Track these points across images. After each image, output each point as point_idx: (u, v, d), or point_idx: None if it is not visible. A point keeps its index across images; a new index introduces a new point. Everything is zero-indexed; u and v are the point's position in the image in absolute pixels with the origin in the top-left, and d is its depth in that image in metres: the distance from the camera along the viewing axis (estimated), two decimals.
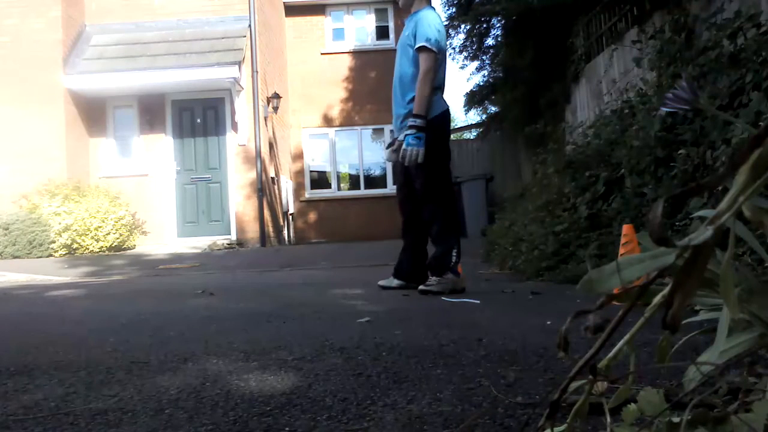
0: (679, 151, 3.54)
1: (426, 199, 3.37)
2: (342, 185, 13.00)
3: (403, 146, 3.27)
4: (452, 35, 11.07)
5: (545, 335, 1.91)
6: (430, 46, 3.29)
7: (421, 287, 3.31)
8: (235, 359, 1.71)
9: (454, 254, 3.29)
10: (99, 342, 2.09)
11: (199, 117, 10.26)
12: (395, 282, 3.58)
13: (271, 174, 10.67)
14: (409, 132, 3.25)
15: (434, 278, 3.30)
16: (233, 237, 9.89)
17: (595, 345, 0.59)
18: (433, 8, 3.54)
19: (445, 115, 3.44)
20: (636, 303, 0.59)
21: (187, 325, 2.46)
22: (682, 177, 3.43)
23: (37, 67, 9.22)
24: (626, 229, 2.84)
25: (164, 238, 9.87)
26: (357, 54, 12.73)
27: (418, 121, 3.24)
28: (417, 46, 3.33)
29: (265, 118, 10.49)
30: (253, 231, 9.90)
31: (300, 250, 9.53)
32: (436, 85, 3.37)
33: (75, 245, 8.56)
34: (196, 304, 3.23)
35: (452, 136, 15.86)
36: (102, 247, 8.78)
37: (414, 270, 3.52)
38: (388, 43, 12.85)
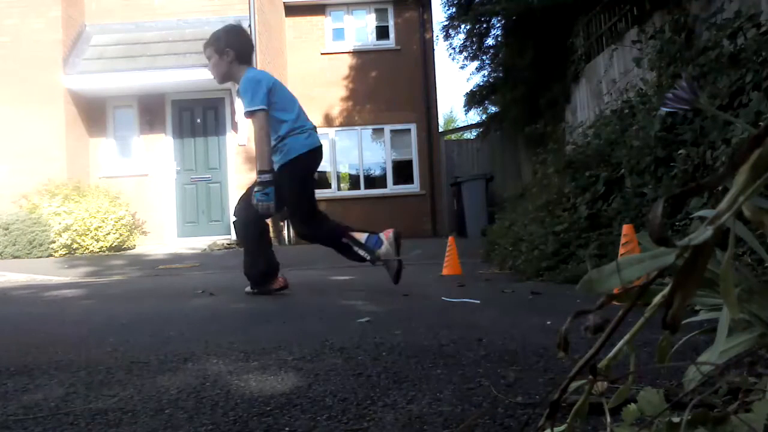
0: (679, 151, 3.54)
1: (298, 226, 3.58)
2: (342, 185, 13.00)
3: (254, 201, 3.36)
4: (452, 35, 11.08)
5: (545, 335, 1.91)
6: (250, 109, 3.34)
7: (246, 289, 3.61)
8: (235, 359, 1.71)
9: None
10: (99, 342, 2.09)
11: (199, 117, 10.26)
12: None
13: None
14: (256, 189, 3.34)
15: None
16: (233, 237, 9.89)
17: (595, 345, 0.59)
18: (252, 68, 3.57)
19: (300, 159, 3.44)
20: (636, 303, 0.59)
21: (187, 325, 2.46)
22: (682, 177, 3.43)
23: (37, 67, 9.22)
24: (626, 229, 2.85)
25: (164, 238, 9.87)
26: (357, 54, 12.74)
27: (263, 177, 3.31)
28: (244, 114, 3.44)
29: None
30: None
31: (299, 250, 9.53)
32: (290, 128, 3.42)
33: (75, 245, 8.56)
34: (196, 304, 3.23)
35: (452, 136, 15.94)
36: (102, 247, 8.78)
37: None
38: (388, 43, 12.86)
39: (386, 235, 3.53)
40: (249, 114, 3.37)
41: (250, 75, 3.44)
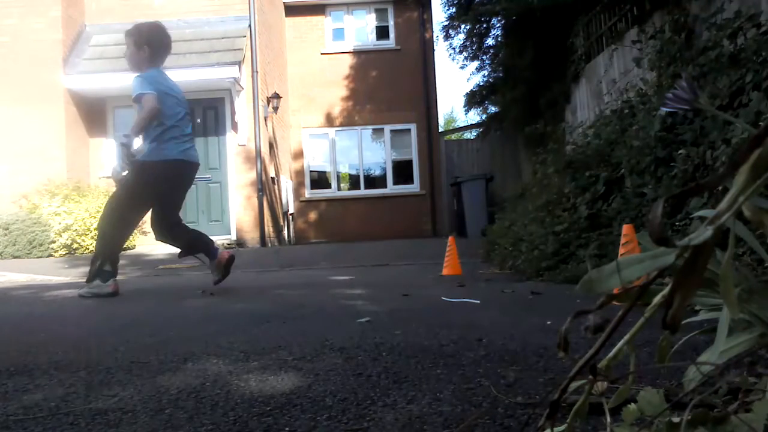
0: (679, 151, 3.54)
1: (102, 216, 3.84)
2: (342, 185, 13.00)
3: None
4: (452, 35, 11.08)
5: (545, 335, 1.91)
6: (141, 92, 3.58)
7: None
8: (235, 359, 1.71)
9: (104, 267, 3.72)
10: (99, 342, 2.09)
11: (199, 117, 10.26)
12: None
13: (271, 174, 10.67)
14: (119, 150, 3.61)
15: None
16: (233, 237, 9.89)
17: (595, 345, 0.59)
18: (156, 70, 3.80)
19: (164, 165, 3.66)
20: (636, 303, 0.59)
21: (187, 325, 2.46)
22: (682, 177, 3.44)
23: (37, 67, 9.22)
24: (626, 229, 2.85)
25: None
26: (357, 54, 12.74)
27: (123, 140, 3.60)
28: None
29: (265, 118, 10.49)
30: (252, 231, 9.90)
31: (300, 250, 9.54)
32: (170, 124, 3.67)
33: (75, 245, 8.56)
34: (196, 304, 3.23)
35: (452, 136, 15.93)
36: None
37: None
38: (388, 43, 12.86)
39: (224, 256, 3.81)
40: (139, 97, 3.55)
41: (147, 74, 3.68)
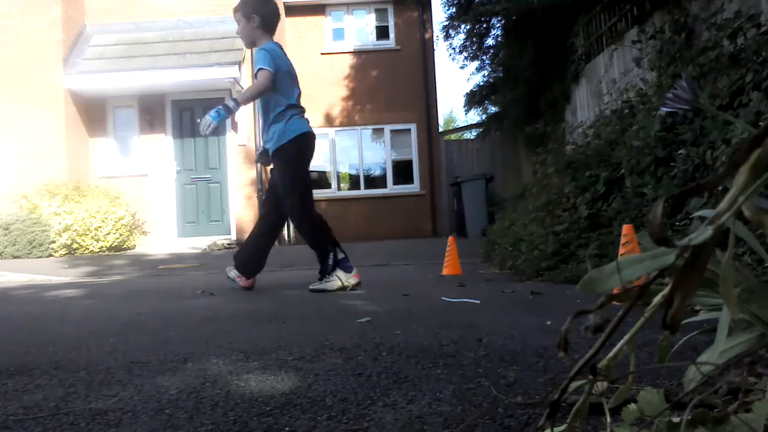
0: (679, 151, 3.54)
1: (289, 213, 3.79)
2: (342, 185, 13.00)
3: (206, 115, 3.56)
4: (452, 35, 11.07)
5: (545, 335, 1.91)
6: (258, 67, 3.56)
7: (310, 287, 3.69)
8: (235, 359, 1.71)
9: (331, 258, 3.66)
10: (99, 342, 2.09)
11: (199, 117, 10.25)
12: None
13: None
14: (217, 107, 3.53)
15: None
16: (233, 237, 9.89)
17: (595, 345, 0.59)
18: (272, 42, 3.77)
19: (299, 140, 3.68)
20: (636, 303, 0.59)
21: (187, 325, 2.46)
22: (682, 177, 3.44)
23: (37, 67, 9.23)
24: (626, 229, 2.85)
25: (164, 238, 9.87)
26: (357, 54, 12.73)
27: (230, 102, 3.52)
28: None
29: None
30: None
31: (300, 250, 9.52)
32: (288, 104, 3.66)
33: (75, 245, 8.56)
34: (196, 304, 3.23)
35: (452, 136, 15.94)
36: (102, 247, 8.78)
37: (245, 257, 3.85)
38: (388, 43, 12.85)
39: (356, 276, 3.74)
40: (257, 72, 3.55)
41: (268, 47, 3.63)
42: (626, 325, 0.60)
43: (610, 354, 0.65)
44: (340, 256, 3.68)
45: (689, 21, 5.33)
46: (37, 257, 8.24)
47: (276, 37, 3.91)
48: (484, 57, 11.78)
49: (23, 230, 8.28)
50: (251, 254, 3.82)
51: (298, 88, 3.82)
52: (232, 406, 1.24)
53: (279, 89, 3.62)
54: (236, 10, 3.76)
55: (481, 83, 12.41)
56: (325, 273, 3.67)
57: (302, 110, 3.78)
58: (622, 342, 0.65)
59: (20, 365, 1.73)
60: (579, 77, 8.42)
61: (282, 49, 3.79)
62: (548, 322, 2.18)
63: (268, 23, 3.74)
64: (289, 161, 3.68)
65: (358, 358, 1.66)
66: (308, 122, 3.81)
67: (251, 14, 3.69)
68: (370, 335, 2.02)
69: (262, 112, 3.77)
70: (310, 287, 3.69)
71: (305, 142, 3.73)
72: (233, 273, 3.84)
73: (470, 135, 17.89)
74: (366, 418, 1.14)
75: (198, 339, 2.08)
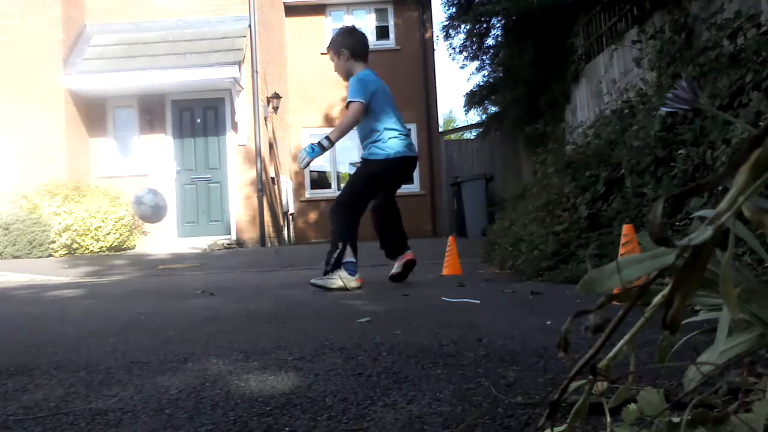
0: (679, 151, 3.54)
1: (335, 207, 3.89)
2: (342, 185, 13.00)
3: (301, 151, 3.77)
4: (452, 35, 11.07)
5: (545, 335, 1.91)
6: (349, 99, 3.79)
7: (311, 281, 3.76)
8: (235, 359, 1.71)
9: (337, 253, 3.73)
10: (99, 342, 2.09)
11: (199, 117, 10.26)
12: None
13: (271, 174, 10.67)
14: (311, 143, 3.75)
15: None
16: (233, 237, 9.89)
17: (595, 345, 0.59)
18: (367, 70, 3.93)
19: (386, 162, 3.78)
20: (636, 303, 0.59)
21: (187, 325, 2.46)
22: (682, 177, 3.44)
23: (37, 67, 9.23)
24: (626, 229, 2.84)
25: (164, 238, 9.87)
26: None
27: (324, 140, 3.73)
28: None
29: (265, 118, 10.49)
30: (253, 231, 9.90)
31: (300, 250, 9.53)
32: (385, 128, 3.78)
33: (75, 245, 8.56)
34: (196, 304, 3.23)
35: (452, 136, 15.93)
36: (102, 247, 8.78)
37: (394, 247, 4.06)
38: (388, 43, 12.85)
39: (359, 281, 3.78)
40: (348, 104, 3.77)
41: (360, 75, 3.83)
42: (626, 325, 0.60)
43: (610, 354, 0.65)
44: (350, 258, 3.73)
45: (689, 21, 5.33)
46: (37, 257, 8.24)
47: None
48: (484, 57, 11.79)
49: (23, 230, 8.28)
50: (393, 244, 4.05)
51: (396, 110, 3.93)
52: (232, 406, 1.24)
53: (375, 116, 3.77)
54: (328, 50, 4.06)
55: (481, 83, 12.41)
56: (327, 265, 3.71)
57: (403, 132, 3.89)
58: (622, 342, 0.65)
59: (20, 365, 1.73)
60: (579, 77, 8.42)
61: (374, 74, 3.93)
62: (548, 322, 2.18)
63: (356, 53, 3.93)
64: (365, 175, 3.83)
65: (358, 358, 1.66)
66: (411, 146, 3.90)
67: (339, 50, 3.93)
68: (370, 335, 2.02)
69: (360, 139, 3.93)
70: (311, 281, 3.73)
71: (398, 165, 3.83)
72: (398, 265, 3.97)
73: (470, 135, 17.90)
74: (366, 418, 1.14)
75: (198, 339, 2.08)
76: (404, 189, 12.74)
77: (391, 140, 3.78)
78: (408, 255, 4.01)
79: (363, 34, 4.05)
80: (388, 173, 3.86)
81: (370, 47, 4.14)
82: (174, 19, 10.30)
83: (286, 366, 1.60)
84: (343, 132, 3.75)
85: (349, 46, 3.88)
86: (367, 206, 3.93)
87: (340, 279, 3.64)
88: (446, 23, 10.81)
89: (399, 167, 3.87)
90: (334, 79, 13.39)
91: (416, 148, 4.05)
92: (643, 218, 3.55)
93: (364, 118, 3.77)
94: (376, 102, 3.76)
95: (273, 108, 10.84)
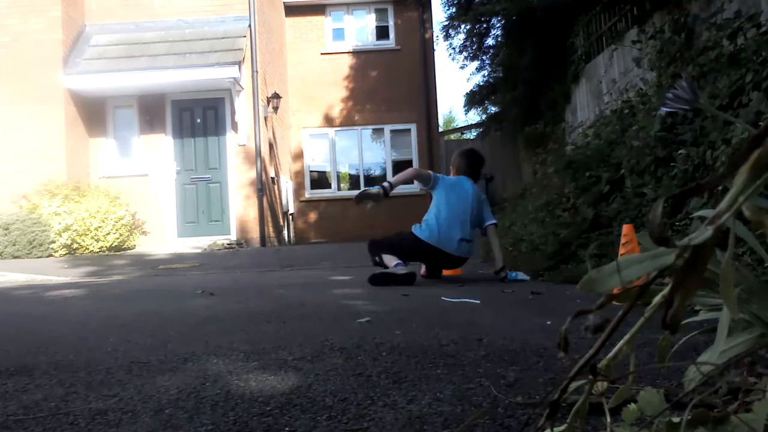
0: (679, 151, 3.54)
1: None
2: (342, 185, 13.00)
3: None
4: (452, 35, 11.08)
5: (545, 335, 1.91)
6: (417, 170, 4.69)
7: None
8: (235, 359, 1.71)
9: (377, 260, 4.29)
10: (99, 342, 2.09)
11: (199, 117, 10.26)
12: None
13: (271, 174, 10.67)
14: (375, 187, 4.27)
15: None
16: (233, 237, 9.89)
17: (595, 345, 0.59)
18: (462, 177, 4.47)
19: (417, 240, 4.22)
20: (636, 303, 0.59)
21: (187, 325, 2.46)
22: (682, 177, 3.44)
23: (37, 67, 9.22)
24: (626, 229, 2.84)
25: (164, 238, 9.86)
26: (357, 54, 12.73)
27: (384, 183, 4.20)
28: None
29: (265, 118, 10.49)
30: (253, 231, 9.90)
31: (300, 250, 9.53)
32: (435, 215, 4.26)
33: (75, 245, 8.56)
34: (196, 304, 3.23)
35: (452, 136, 15.92)
36: (102, 247, 8.78)
37: None
38: (388, 43, 12.85)
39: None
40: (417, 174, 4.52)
41: (448, 176, 4.50)
42: (626, 325, 0.60)
43: (610, 354, 0.65)
44: (395, 262, 4.13)
45: (689, 21, 5.33)
46: (37, 257, 8.24)
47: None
48: (484, 57, 11.80)
49: (23, 230, 8.28)
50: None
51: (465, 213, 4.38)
52: (232, 406, 1.24)
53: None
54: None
55: (481, 83, 12.42)
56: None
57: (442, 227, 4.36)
58: (622, 342, 0.65)
59: (20, 365, 1.73)
60: (579, 77, 8.42)
61: (466, 179, 4.41)
62: (548, 322, 2.18)
63: (461, 171, 4.49)
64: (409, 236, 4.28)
65: (358, 358, 1.66)
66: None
67: (450, 165, 4.62)
68: (370, 335, 2.02)
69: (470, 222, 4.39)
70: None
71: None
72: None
73: (470, 135, 17.90)
74: (366, 418, 1.14)
75: (198, 339, 2.08)
76: (404, 189, 12.77)
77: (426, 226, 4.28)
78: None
79: (474, 159, 4.54)
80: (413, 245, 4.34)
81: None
82: (174, 19, 10.30)
83: (286, 366, 1.60)
84: (400, 182, 4.36)
85: (456, 166, 4.52)
86: (389, 247, 4.32)
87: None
88: (446, 23, 10.82)
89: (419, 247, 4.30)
90: (334, 79, 13.35)
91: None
92: (643, 218, 3.55)
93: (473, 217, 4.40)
94: (437, 191, 4.29)
95: (273, 108, 10.84)
